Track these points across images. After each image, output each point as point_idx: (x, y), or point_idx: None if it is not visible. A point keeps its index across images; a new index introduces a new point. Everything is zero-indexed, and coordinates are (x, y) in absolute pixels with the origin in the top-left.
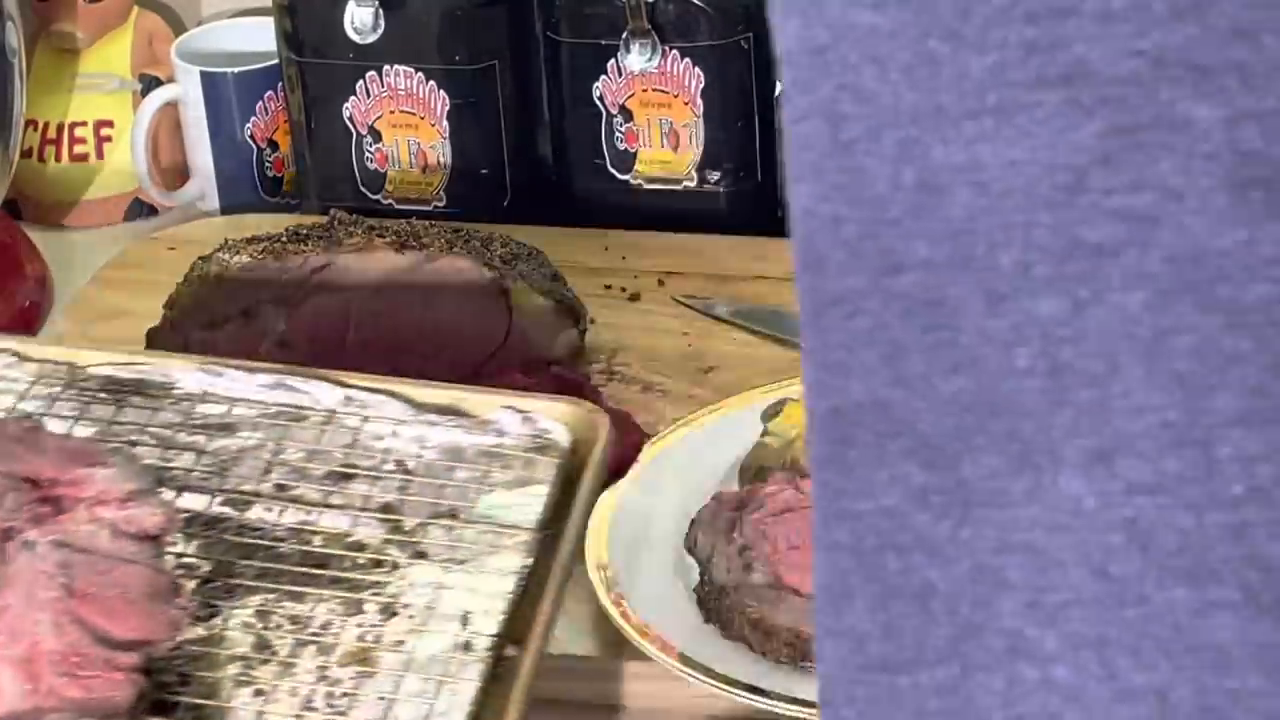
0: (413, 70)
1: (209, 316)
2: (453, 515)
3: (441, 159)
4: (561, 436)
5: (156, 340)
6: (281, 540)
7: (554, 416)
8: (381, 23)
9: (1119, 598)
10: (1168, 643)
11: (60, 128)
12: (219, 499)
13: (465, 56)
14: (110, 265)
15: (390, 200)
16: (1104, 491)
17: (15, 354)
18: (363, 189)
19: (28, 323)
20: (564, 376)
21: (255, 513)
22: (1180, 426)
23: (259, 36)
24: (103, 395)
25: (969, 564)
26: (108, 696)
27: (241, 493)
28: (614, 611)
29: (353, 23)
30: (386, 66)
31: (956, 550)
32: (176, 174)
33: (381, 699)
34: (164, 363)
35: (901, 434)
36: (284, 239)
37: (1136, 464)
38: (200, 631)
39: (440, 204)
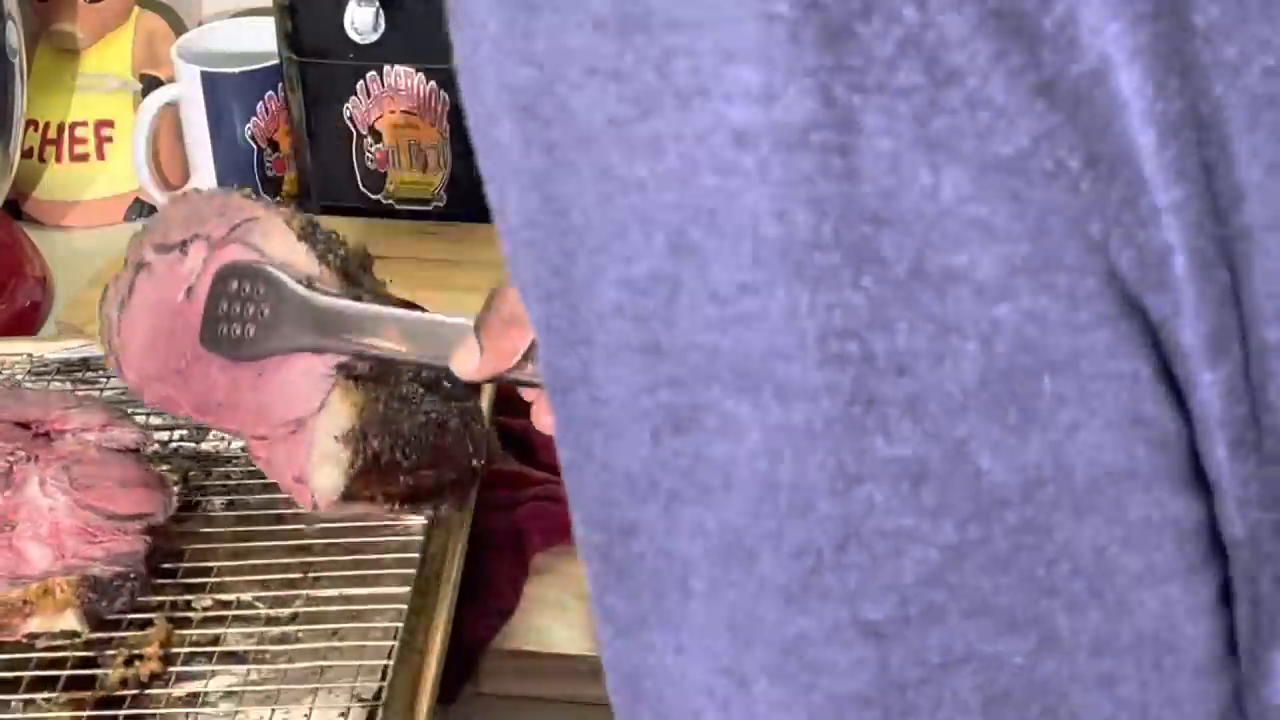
0: (413, 70)
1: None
2: None
3: (441, 159)
4: None
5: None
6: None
7: None
8: (382, 23)
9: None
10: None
11: (61, 128)
12: (179, 432)
13: None
14: (111, 265)
15: (390, 200)
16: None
17: None
18: (363, 189)
19: (28, 323)
20: None
21: (209, 443)
22: None
23: (259, 36)
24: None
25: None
26: (124, 551)
27: (199, 427)
28: None
29: (353, 23)
30: (387, 67)
31: None
32: (177, 174)
33: None
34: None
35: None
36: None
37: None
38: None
39: (440, 204)
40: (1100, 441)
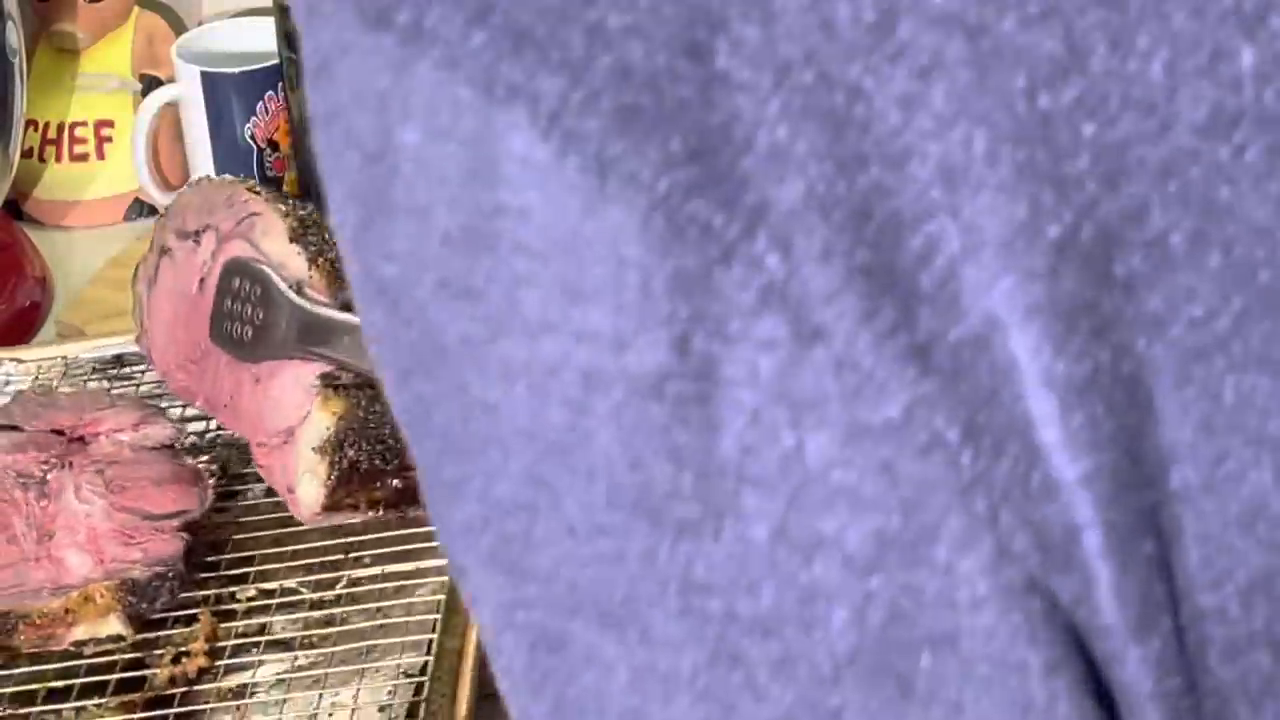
0: None
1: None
2: None
3: None
4: None
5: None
6: None
7: None
8: None
9: None
10: None
11: (60, 128)
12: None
13: None
14: (110, 265)
15: None
16: None
17: (15, 360)
18: None
19: (28, 323)
20: None
21: None
22: None
23: (260, 36)
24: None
25: None
26: (162, 552)
27: None
28: None
29: None
30: None
31: None
32: (177, 174)
33: None
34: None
35: None
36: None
37: None
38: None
39: None
40: None
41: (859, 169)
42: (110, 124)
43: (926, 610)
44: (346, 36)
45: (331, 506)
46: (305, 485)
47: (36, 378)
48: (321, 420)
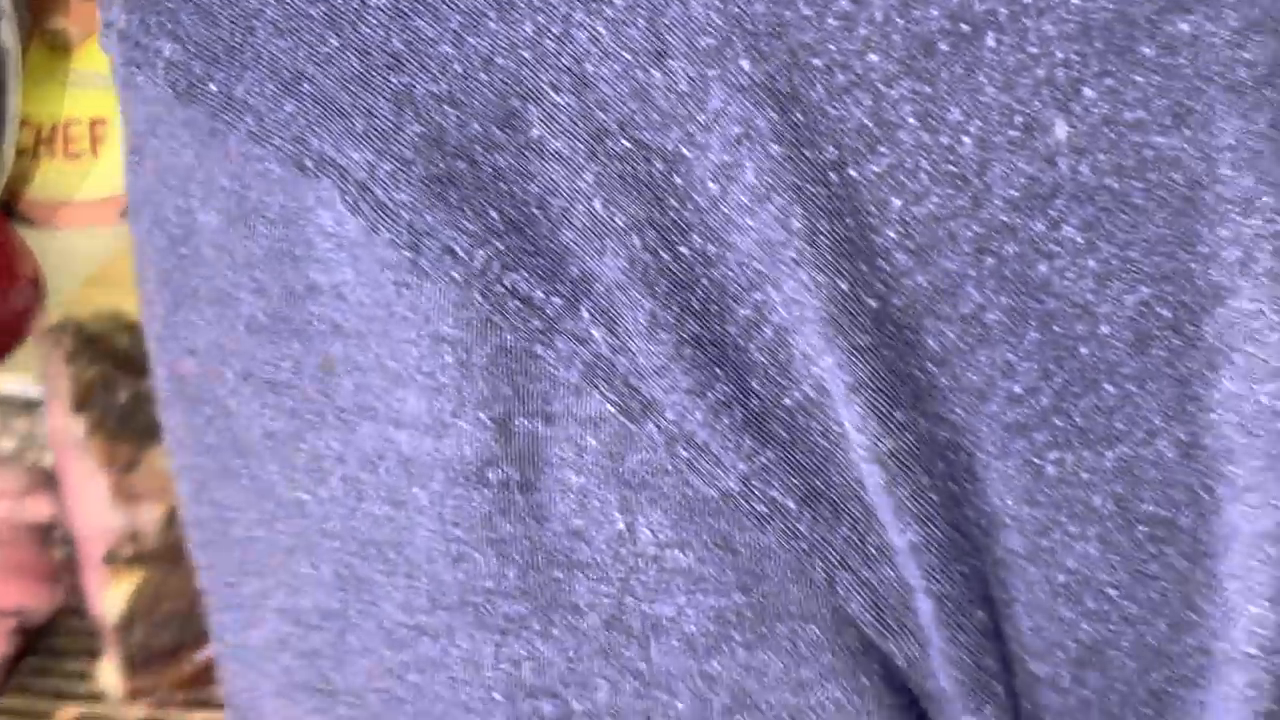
0: None
1: None
2: None
3: None
4: None
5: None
6: None
7: None
8: None
9: None
10: None
11: (55, 126)
12: None
13: None
14: (106, 265)
15: None
16: None
17: None
18: None
19: (20, 323)
20: None
21: None
22: None
23: None
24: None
25: None
26: None
27: None
28: None
29: None
30: None
31: None
32: None
33: None
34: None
35: None
36: None
37: None
38: None
39: None
40: None
41: (681, 239)
42: (105, 122)
43: (771, 691)
44: (156, 111)
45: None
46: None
47: None
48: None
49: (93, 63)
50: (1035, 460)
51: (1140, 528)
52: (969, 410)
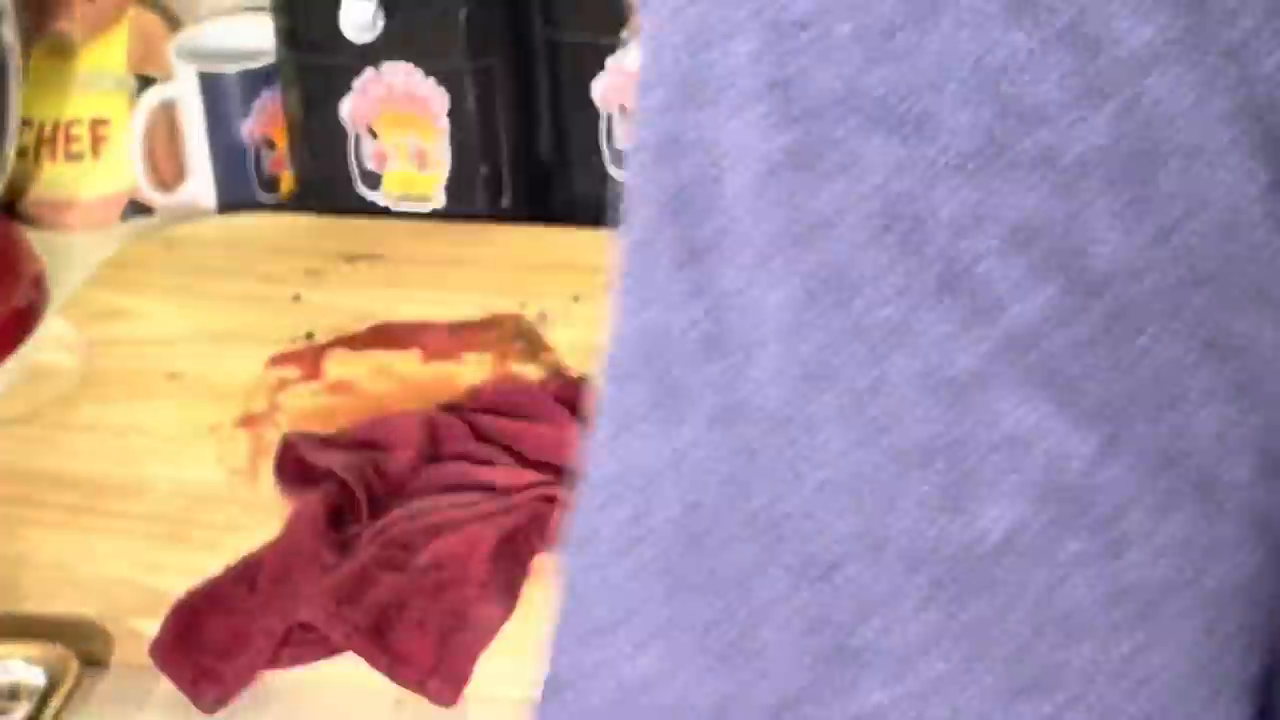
0: (411, 68)
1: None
2: None
3: (440, 158)
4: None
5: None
6: None
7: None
8: (379, 21)
9: None
10: None
11: (56, 127)
12: None
13: (464, 55)
14: (107, 265)
15: (388, 200)
16: None
17: None
18: (360, 188)
19: (24, 324)
20: None
21: None
22: None
23: (257, 35)
24: None
25: None
26: None
27: None
28: None
29: (351, 21)
30: (384, 64)
31: None
32: (173, 173)
33: None
34: None
35: None
36: None
37: None
38: None
39: (438, 203)
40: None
41: None
42: (106, 123)
43: (1178, 120)
44: None
45: None
46: None
47: None
48: None
49: (95, 65)
50: None
51: None
52: None
